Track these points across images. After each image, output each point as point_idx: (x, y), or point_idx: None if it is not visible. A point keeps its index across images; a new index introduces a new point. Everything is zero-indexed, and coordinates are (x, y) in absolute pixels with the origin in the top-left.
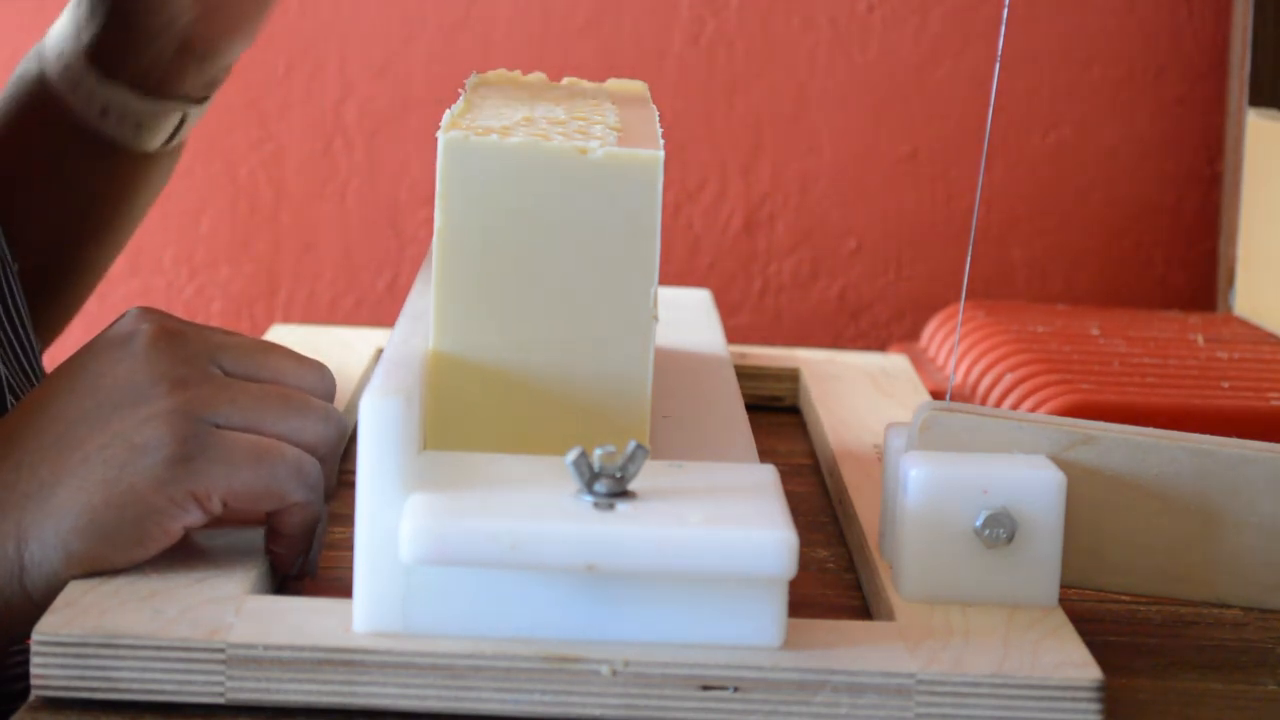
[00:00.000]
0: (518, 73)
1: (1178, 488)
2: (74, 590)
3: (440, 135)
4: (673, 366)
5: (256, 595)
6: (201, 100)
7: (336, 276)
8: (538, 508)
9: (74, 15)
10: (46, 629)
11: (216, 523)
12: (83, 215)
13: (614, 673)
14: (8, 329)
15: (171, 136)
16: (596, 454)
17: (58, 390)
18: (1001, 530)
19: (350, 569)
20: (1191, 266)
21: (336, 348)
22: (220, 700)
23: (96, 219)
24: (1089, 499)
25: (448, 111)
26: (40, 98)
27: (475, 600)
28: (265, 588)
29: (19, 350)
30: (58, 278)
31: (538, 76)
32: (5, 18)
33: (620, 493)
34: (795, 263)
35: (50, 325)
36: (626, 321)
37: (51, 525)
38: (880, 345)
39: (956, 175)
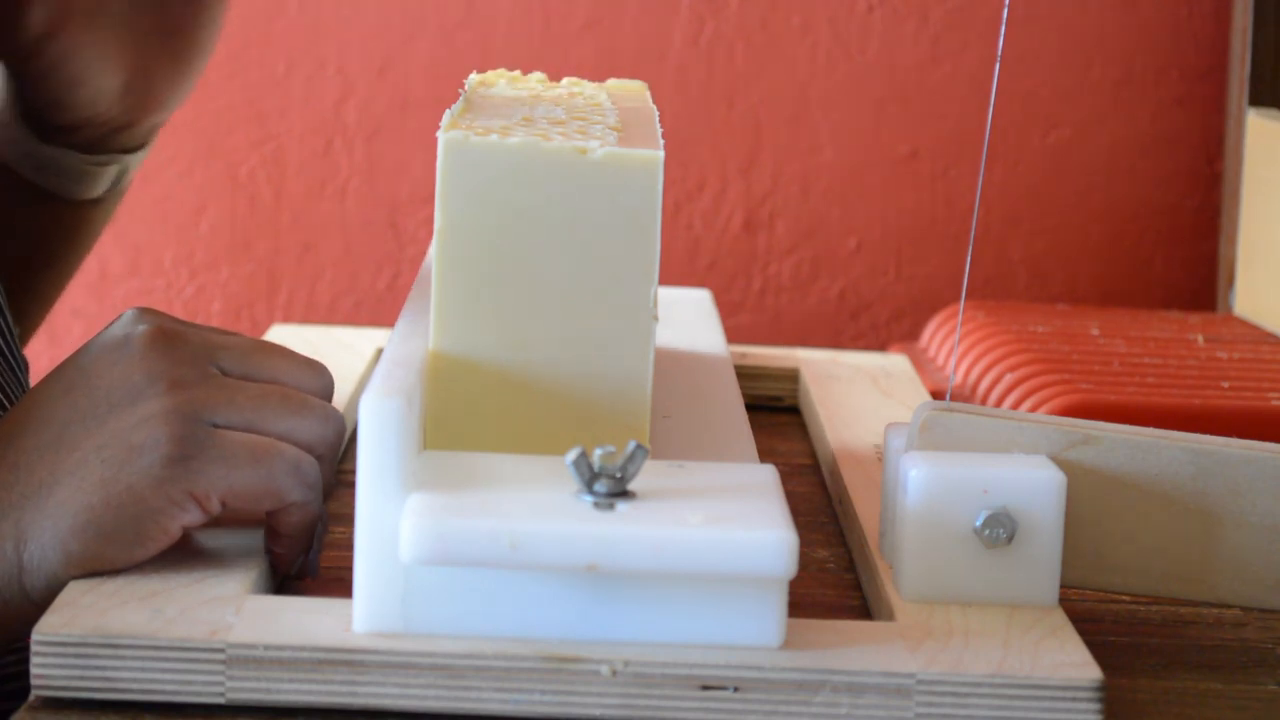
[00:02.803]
0: (518, 73)
1: (1178, 488)
2: (74, 590)
3: (440, 135)
4: (673, 366)
5: (256, 595)
6: (140, 149)
7: (336, 276)
8: (538, 508)
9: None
10: (46, 629)
11: (216, 523)
12: (19, 263)
13: (614, 673)
14: None
15: (113, 184)
16: (596, 454)
17: (55, 390)
18: (1001, 530)
19: (350, 569)
20: (1191, 266)
21: (336, 348)
22: (220, 700)
23: (35, 266)
24: (1089, 499)
25: (448, 111)
26: None
27: (475, 600)
28: (265, 588)
29: (2, 346)
30: None
31: (538, 76)
32: None
33: (620, 493)
34: (795, 263)
35: None
36: (626, 321)
37: (50, 525)
38: (880, 345)
39: (956, 175)
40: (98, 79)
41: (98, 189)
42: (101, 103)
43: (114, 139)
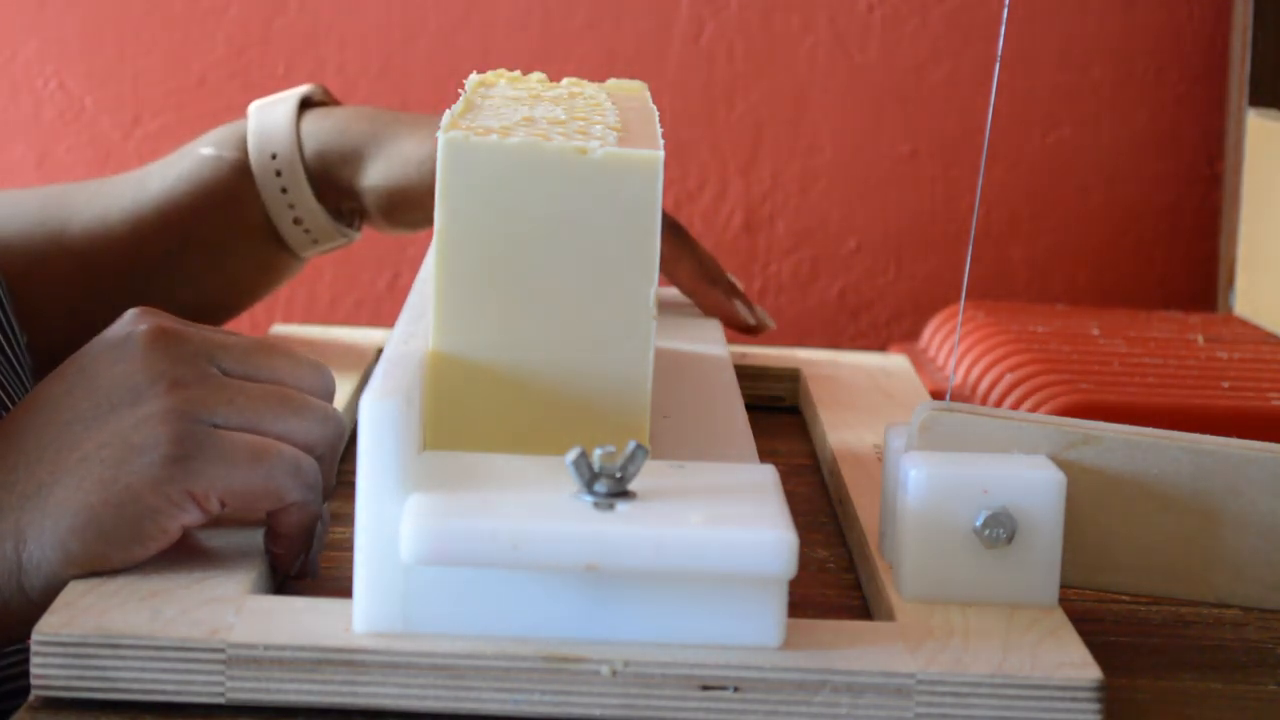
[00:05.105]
0: (518, 73)
1: (1178, 488)
2: (74, 590)
3: (440, 135)
4: (673, 366)
5: (256, 595)
6: (360, 228)
7: (336, 276)
8: (538, 508)
9: (294, 128)
10: (46, 629)
11: (216, 522)
12: (216, 299)
13: (614, 673)
14: None
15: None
16: (596, 454)
17: (56, 390)
18: (1001, 530)
19: (350, 569)
20: (1191, 266)
21: (336, 348)
22: (220, 700)
23: (226, 304)
24: (1089, 499)
25: (448, 111)
26: (231, 181)
27: (475, 600)
28: (265, 588)
29: (4, 344)
30: None
31: (538, 76)
32: (5, 17)
33: (620, 493)
34: (795, 263)
35: None
36: (626, 321)
37: (50, 525)
38: (880, 345)
39: (956, 175)
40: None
41: (317, 250)
42: (413, 186)
43: (379, 218)
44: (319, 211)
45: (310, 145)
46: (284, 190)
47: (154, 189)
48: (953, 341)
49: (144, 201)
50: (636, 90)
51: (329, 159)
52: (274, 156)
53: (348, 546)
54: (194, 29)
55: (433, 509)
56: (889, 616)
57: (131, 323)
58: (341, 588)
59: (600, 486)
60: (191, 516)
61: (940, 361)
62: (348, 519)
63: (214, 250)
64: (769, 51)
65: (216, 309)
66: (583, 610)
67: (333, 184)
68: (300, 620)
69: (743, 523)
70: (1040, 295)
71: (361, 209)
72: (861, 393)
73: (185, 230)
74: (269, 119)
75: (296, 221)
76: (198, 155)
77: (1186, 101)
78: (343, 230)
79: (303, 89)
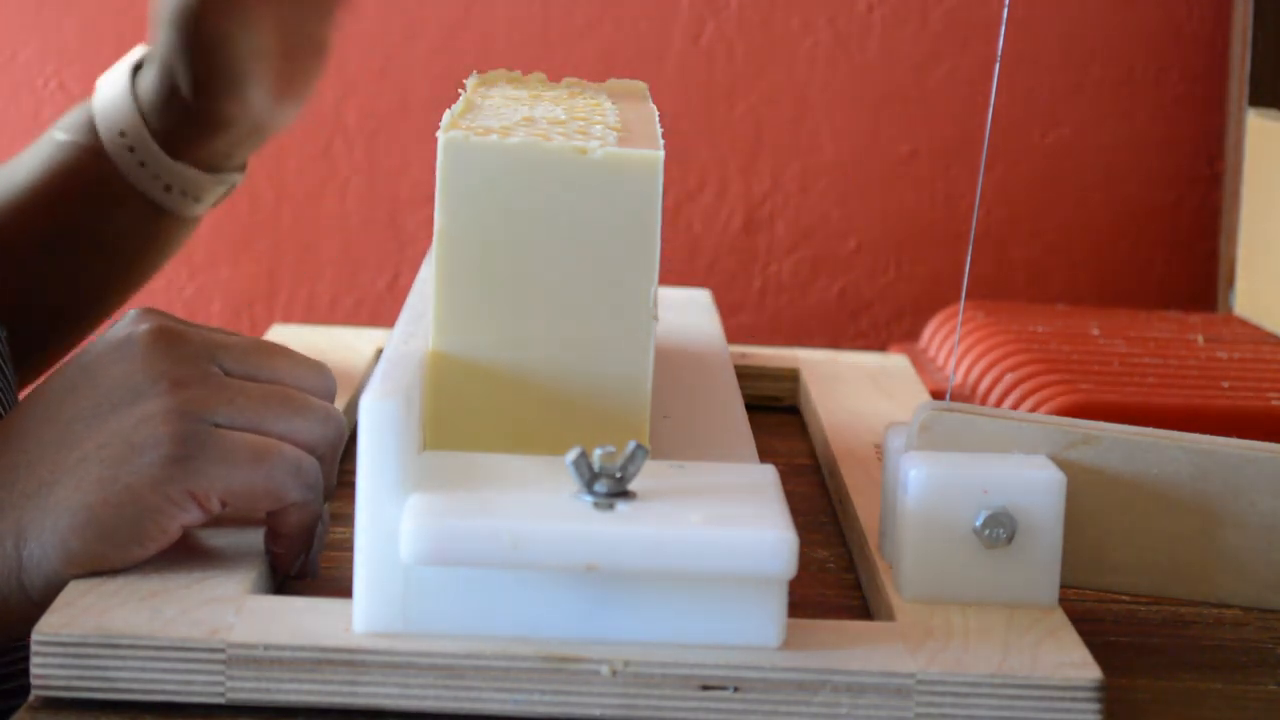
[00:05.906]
0: (518, 73)
1: (1178, 488)
2: (74, 590)
3: (440, 135)
4: (673, 366)
5: (256, 595)
6: (243, 168)
7: (336, 276)
8: (538, 508)
9: (131, 97)
10: (46, 629)
11: (216, 522)
12: (111, 275)
13: (614, 673)
14: None
15: (215, 202)
16: (596, 454)
17: (57, 389)
18: (1001, 530)
19: (350, 569)
20: (1191, 266)
21: (336, 348)
22: (220, 700)
23: (123, 278)
24: (1089, 499)
25: (448, 111)
26: (91, 167)
27: (475, 600)
28: (265, 588)
29: None
30: (62, 331)
31: (538, 76)
32: (5, 17)
33: (620, 493)
34: (795, 263)
35: (34, 371)
36: (626, 321)
37: (50, 524)
38: (880, 345)
39: (956, 175)
40: (253, 64)
41: (207, 205)
42: (257, 99)
43: (243, 154)
44: (184, 170)
45: (147, 108)
46: (142, 164)
47: (21, 180)
48: (953, 341)
49: (13, 193)
50: (636, 90)
51: (168, 113)
52: (123, 134)
53: (348, 546)
54: None
55: (433, 509)
56: (889, 616)
57: (132, 322)
58: (341, 588)
59: (600, 486)
60: (192, 516)
61: (940, 361)
62: (348, 519)
63: (92, 234)
64: (769, 51)
65: (116, 288)
66: (583, 610)
67: (182, 134)
68: (300, 620)
69: (743, 523)
70: (1040, 295)
71: (221, 121)
72: (861, 393)
73: (57, 220)
74: (108, 96)
75: (168, 189)
76: (55, 142)
77: (1186, 101)
78: (220, 179)
79: (136, 52)
